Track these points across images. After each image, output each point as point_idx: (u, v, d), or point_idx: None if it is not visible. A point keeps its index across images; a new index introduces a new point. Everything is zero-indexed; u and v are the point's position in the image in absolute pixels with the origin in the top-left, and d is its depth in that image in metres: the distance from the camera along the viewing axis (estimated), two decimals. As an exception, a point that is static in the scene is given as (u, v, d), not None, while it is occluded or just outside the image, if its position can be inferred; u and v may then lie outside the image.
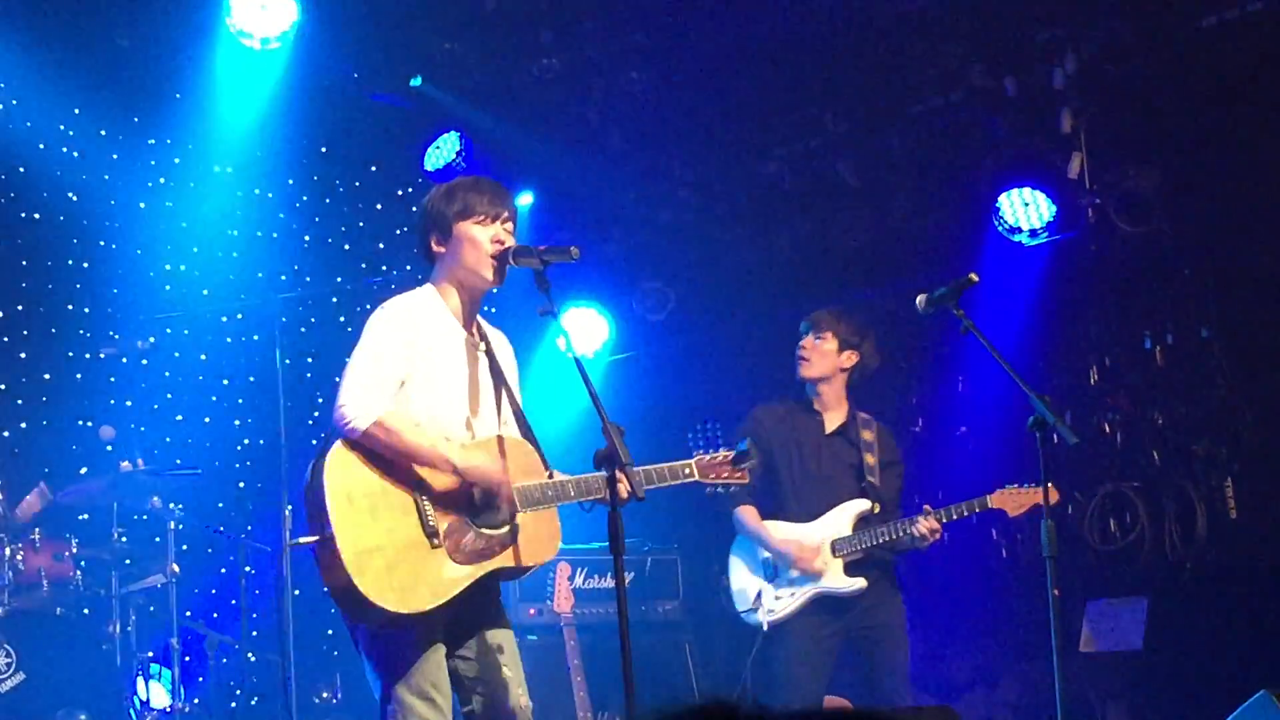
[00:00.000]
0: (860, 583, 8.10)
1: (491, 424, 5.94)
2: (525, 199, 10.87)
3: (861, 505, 8.23)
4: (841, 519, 8.21)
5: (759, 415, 8.48)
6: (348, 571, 5.55)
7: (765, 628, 8.11)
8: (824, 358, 8.37)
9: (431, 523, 5.68)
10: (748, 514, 8.30)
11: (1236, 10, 9.41)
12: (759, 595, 8.17)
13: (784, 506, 8.31)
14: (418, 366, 5.82)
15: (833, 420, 8.43)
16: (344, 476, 5.66)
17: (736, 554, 8.37)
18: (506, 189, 6.09)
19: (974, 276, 6.95)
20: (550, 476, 5.90)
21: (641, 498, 5.37)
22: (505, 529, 5.75)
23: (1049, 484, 7.67)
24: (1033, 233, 10.10)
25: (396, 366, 5.78)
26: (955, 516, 8.04)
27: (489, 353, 6.05)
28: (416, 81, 10.61)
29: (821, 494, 8.28)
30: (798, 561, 8.09)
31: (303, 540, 5.77)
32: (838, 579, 8.11)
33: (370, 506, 5.65)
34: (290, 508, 9.18)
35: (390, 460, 5.71)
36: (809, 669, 8.11)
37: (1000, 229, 10.12)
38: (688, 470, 6.14)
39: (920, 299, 7.17)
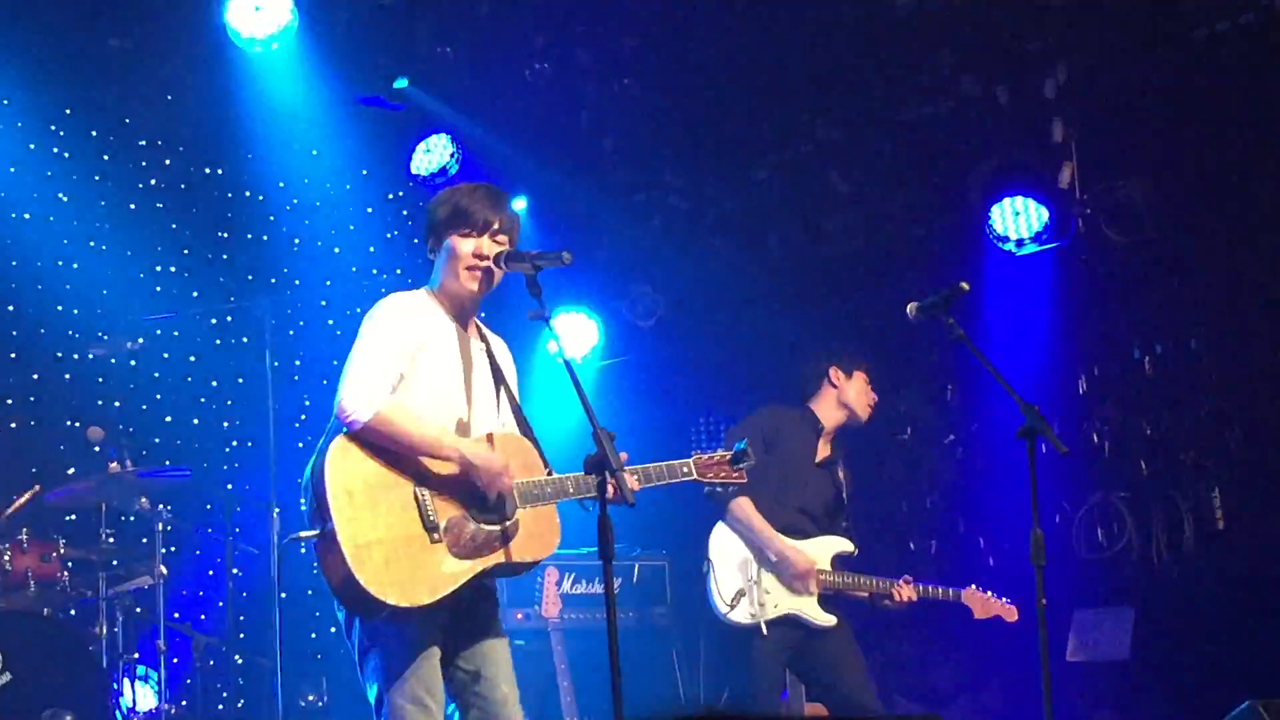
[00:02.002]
0: (832, 620, 8.19)
1: (488, 422, 5.95)
2: (519, 204, 10.87)
3: (843, 545, 8.34)
4: (823, 551, 8.26)
5: (772, 416, 8.46)
6: (348, 565, 5.52)
7: (755, 622, 8.07)
8: None
9: (432, 517, 5.67)
10: (748, 507, 8.20)
11: (1228, 22, 9.42)
12: (739, 595, 8.10)
13: (771, 514, 8.26)
14: (415, 362, 5.83)
15: (825, 449, 8.52)
16: (345, 470, 5.64)
17: (723, 548, 8.26)
18: (505, 197, 6.05)
19: (964, 285, 6.95)
20: (549, 474, 5.89)
21: (631, 503, 5.36)
22: (505, 524, 5.74)
23: (1009, 603, 8.39)
24: (1020, 242, 10.11)
25: (396, 360, 5.79)
26: (930, 596, 8.28)
27: (489, 353, 6.05)
28: (402, 83, 10.60)
29: (805, 519, 8.32)
30: (793, 576, 8.10)
31: (303, 535, 5.76)
32: (814, 610, 8.17)
33: (370, 500, 5.63)
34: (278, 510, 9.18)
35: (392, 452, 5.70)
36: (767, 681, 8.16)
37: (991, 238, 10.13)
38: (685, 469, 6.10)
39: (910, 307, 7.17)
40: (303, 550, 9.50)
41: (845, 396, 8.51)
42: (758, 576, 8.14)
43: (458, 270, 5.91)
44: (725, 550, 8.24)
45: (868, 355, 8.63)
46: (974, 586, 8.36)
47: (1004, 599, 8.38)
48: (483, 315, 6.25)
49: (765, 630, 8.05)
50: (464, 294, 5.95)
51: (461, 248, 5.90)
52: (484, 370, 6.02)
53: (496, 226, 5.93)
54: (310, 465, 5.73)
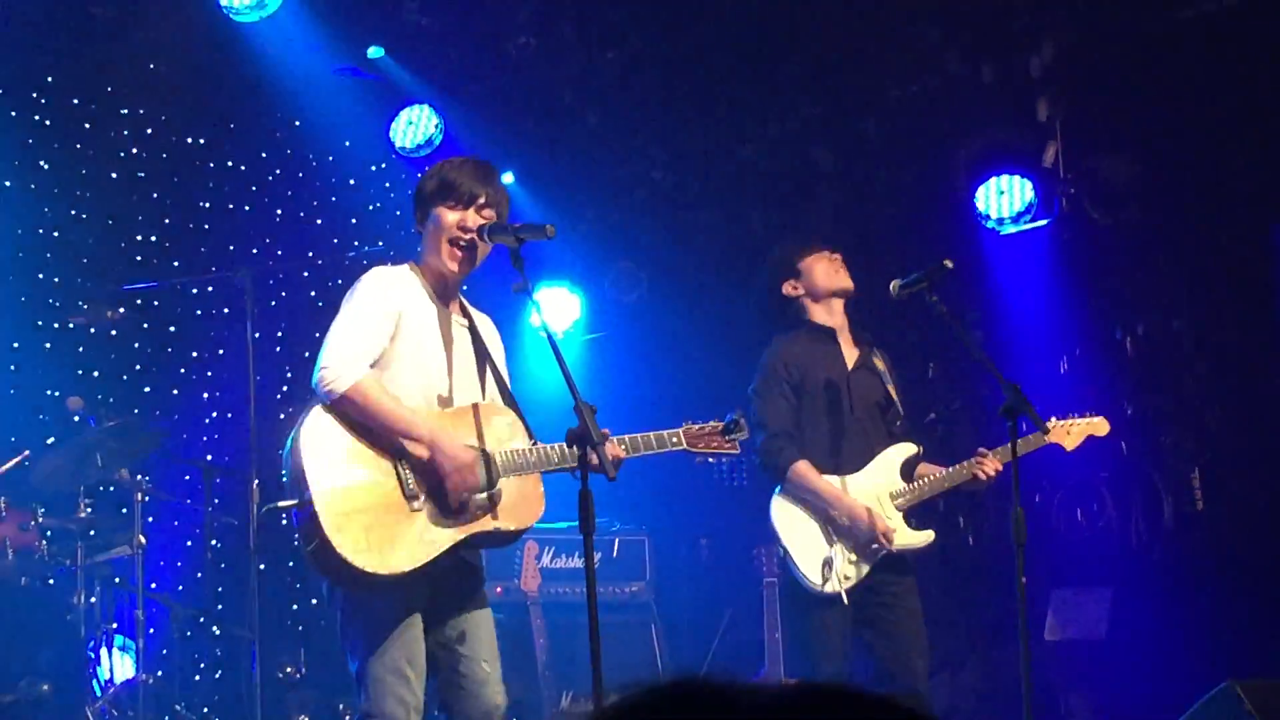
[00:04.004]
0: (929, 535, 7.40)
1: (472, 397, 5.94)
2: (506, 178, 10.90)
3: (908, 450, 7.50)
4: (889, 467, 7.45)
5: (784, 354, 7.50)
6: (327, 534, 5.54)
7: (845, 600, 7.20)
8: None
9: (411, 486, 5.68)
10: (807, 471, 7.31)
11: (1214, 3, 9.44)
12: (827, 563, 7.23)
13: (821, 456, 7.38)
14: (396, 336, 5.83)
15: (850, 351, 7.61)
16: (322, 440, 5.67)
17: (787, 519, 7.34)
18: (494, 171, 6.04)
19: (948, 263, 6.96)
20: (534, 444, 5.87)
21: (612, 477, 5.36)
22: (489, 493, 5.74)
23: (1094, 417, 7.52)
24: (1001, 220, 10.12)
25: (376, 334, 5.80)
26: (1011, 458, 7.07)
27: (472, 329, 6.03)
28: (378, 52, 10.58)
29: (859, 442, 7.46)
30: (872, 524, 7.24)
31: (281, 505, 5.77)
32: (906, 536, 7.33)
33: (348, 469, 5.65)
34: (257, 481, 9.16)
35: (366, 425, 5.72)
36: (833, 653, 7.30)
37: (976, 216, 10.13)
38: (675, 439, 6.07)
39: (894, 284, 7.18)
40: (284, 521, 9.53)
41: (816, 291, 7.59)
42: (836, 538, 7.29)
43: (441, 244, 5.90)
44: (794, 525, 7.35)
45: (793, 242, 7.72)
46: (1054, 419, 7.45)
47: (1087, 415, 7.54)
48: (464, 289, 6.24)
49: (846, 599, 7.21)
50: (445, 271, 5.95)
51: (446, 219, 5.90)
52: (466, 347, 6.01)
53: (483, 200, 5.92)
54: (290, 436, 5.73)
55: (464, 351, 6.00)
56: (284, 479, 5.77)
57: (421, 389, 5.84)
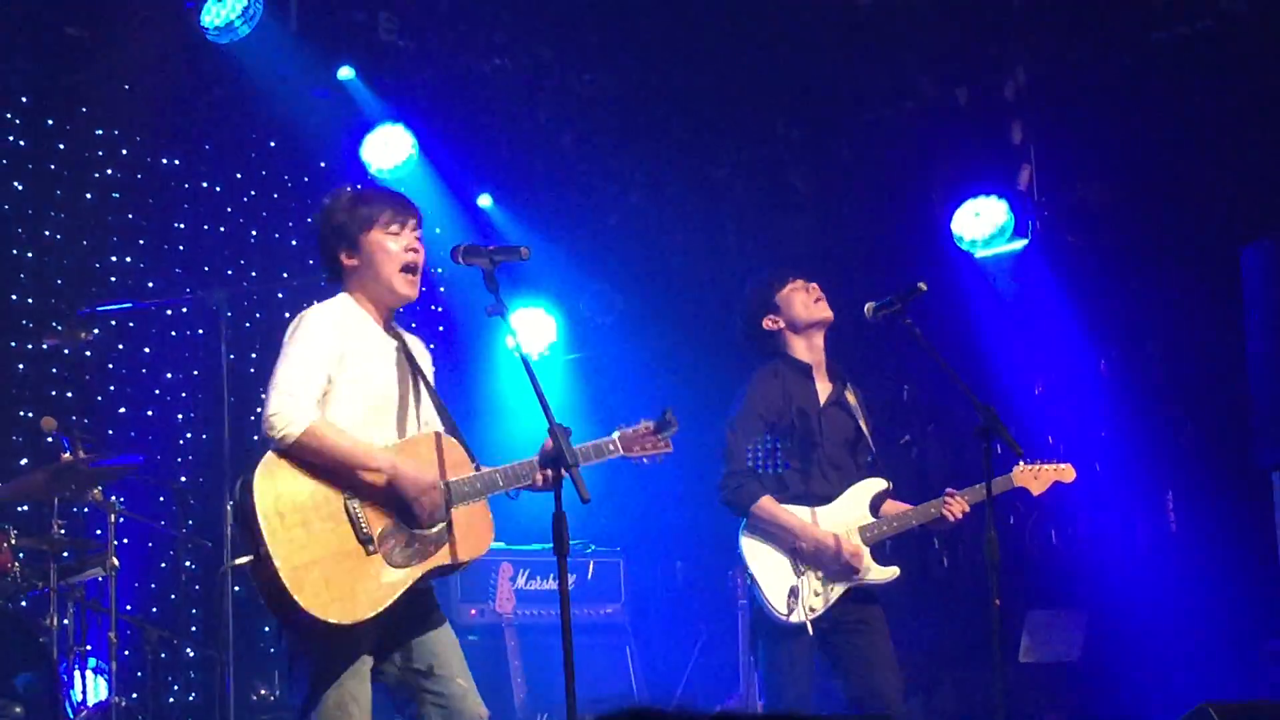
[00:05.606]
0: (894, 571, 7.39)
1: (420, 424, 5.91)
2: (484, 200, 11.01)
3: (877, 485, 7.46)
4: (859, 501, 7.42)
5: (763, 386, 7.46)
6: (287, 589, 5.46)
7: (811, 630, 7.17)
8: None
9: (365, 530, 5.61)
10: (770, 505, 7.27)
11: (1186, 26, 9.49)
12: (793, 593, 7.19)
13: (794, 490, 7.36)
14: (342, 373, 5.76)
15: (824, 386, 7.59)
16: (273, 491, 5.57)
17: (755, 552, 7.28)
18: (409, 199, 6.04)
19: (922, 285, 6.97)
20: (477, 469, 5.82)
21: (587, 500, 5.34)
22: (440, 527, 5.71)
23: (1061, 464, 7.57)
24: (975, 243, 10.15)
25: (321, 374, 5.72)
26: (979, 499, 7.22)
27: (408, 355, 5.96)
28: (350, 74, 10.58)
29: (831, 476, 7.43)
30: (839, 556, 7.22)
31: (239, 562, 5.69)
32: (873, 570, 7.34)
33: (302, 519, 5.56)
34: (231, 503, 9.14)
35: (319, 466, 5.62)
36: (800, 684, 7.26)
37: (950, 239, 10.17)
38: (611, 446, 6.00)
39: (868, 307, 7.17)
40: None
41: (796, 324, 7.55)
42: (803, 569, 7.25)
43: (391, 272, 5.84)
44: (761, 556, 7.30)
45: (769, 276, 7.69)
46: (1022, 463, 7.45)
47: (1053, 462, 7.58)
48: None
49: (811, 629, 7.13)
50: (393, 298, 5.89)
51: (389, 246, 5.84)
52: (406, 374, 5.94)
53: (415, 221, 5.91)
54: (238, 486, 5.62)
55: (406, 378, 5.94)
56: (233, 528, 5.69)
57: (370, 423, 5.78)
